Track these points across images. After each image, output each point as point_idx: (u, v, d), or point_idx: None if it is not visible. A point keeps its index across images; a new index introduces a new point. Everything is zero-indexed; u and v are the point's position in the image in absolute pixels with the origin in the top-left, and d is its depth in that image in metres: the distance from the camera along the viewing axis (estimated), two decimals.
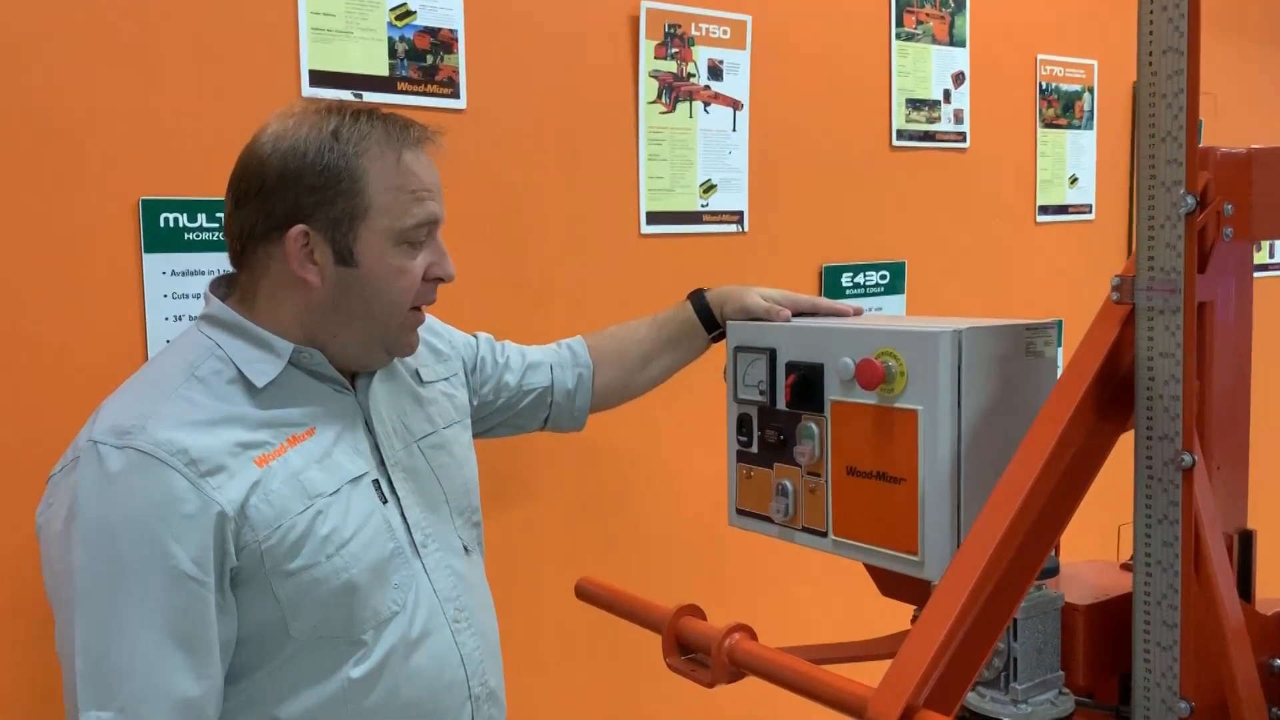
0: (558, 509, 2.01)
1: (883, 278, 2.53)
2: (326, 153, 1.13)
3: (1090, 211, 3.05)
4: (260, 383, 1.14)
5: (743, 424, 1.45)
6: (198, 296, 1.58)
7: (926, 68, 2.58)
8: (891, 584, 1.35)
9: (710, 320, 1.58)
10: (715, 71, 2.18)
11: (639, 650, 2.00)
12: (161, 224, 1.56)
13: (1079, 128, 2.99)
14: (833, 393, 1.32)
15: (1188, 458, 1.03)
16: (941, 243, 2.65)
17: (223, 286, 1.23)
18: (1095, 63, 2.99)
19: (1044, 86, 2.87)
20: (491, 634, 1.31)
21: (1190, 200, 1.01)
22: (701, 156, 2.17)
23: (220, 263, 1.35)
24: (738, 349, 1.45)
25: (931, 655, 0.95)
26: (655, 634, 1.29)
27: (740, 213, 2.24)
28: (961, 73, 2.65)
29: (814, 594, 2.33)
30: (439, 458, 1.31)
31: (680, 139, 2.14)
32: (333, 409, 1.20)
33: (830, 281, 2.41)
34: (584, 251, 2.03)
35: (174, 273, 1.58)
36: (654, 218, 2.11)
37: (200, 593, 1.07)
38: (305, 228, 1.14)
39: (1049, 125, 2.90)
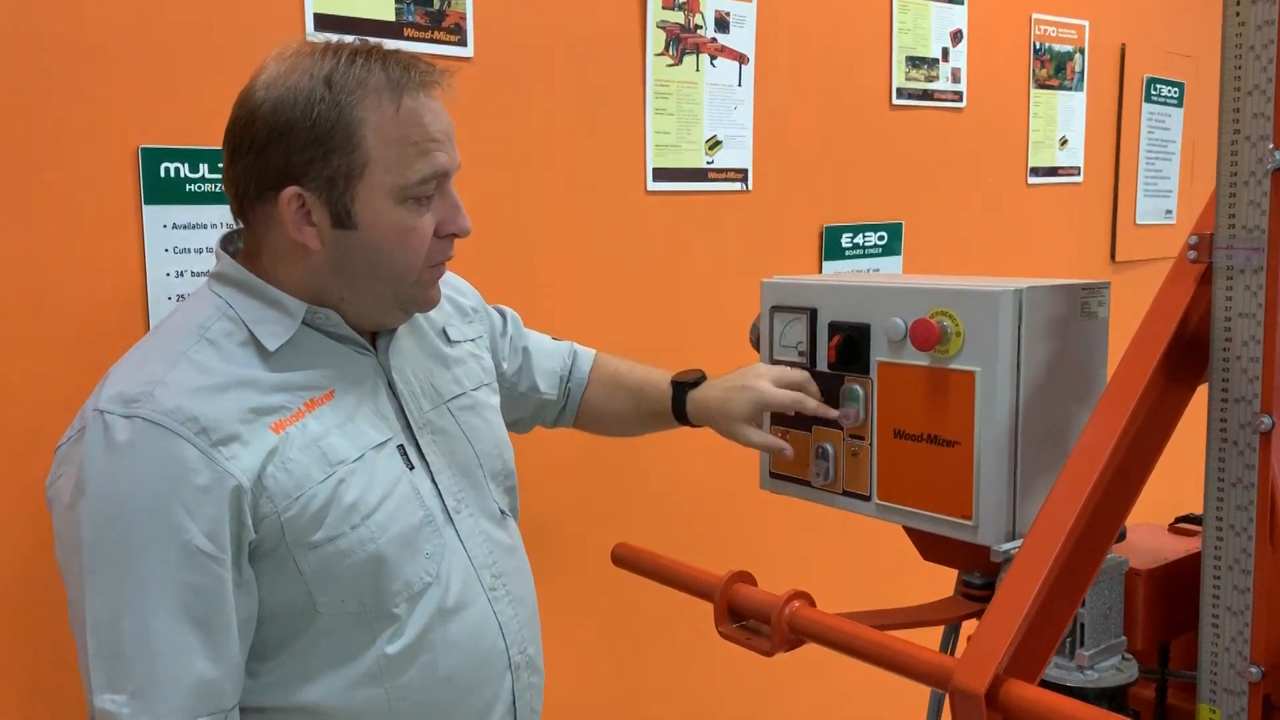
0: (575, 475, 1.97)
1: (880, 238, 2.49)
2: (318, 104, 1.03)
3: (1079, 174, 3.04)
4: (272, 345, 1.07)
5: None
6: (201, 251, 1.50)
7: (926, 25, 2.53)
8: (936, 549, 1.32)
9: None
10: (722, 23, 2.12)
11: (671, 617, 1.97)
12: (162, 174, 1.47)
13: (1070, 89, 2.97)
14: (880, 353, 1.28)
15: (1267, 420, 1.01)
16: (937, 204, 2.62)
17: (234, 242, 1.16)
18: (1087, 23, 2.97)
19: (1037, 47, 2.85)
20: (530, 601, 1.26)
21: (1278, 156, 0.98)
22: (708, 112, 2.12)
23: (225, 216, 1.28)
24: (774, 309, 1.41)
25: (1018, 624, 0.92)
26: (693, 600, 1.26)
27: (745, 170, 2.19)
28: (959, 30, 2.61)
29: (843, 558, 2.31)
30: (470, 419, 1.24)
31: (687, 93, 2.08)
32: (353, 371, 1.13)
33: (830, 242, 2.37)
34: (591, 208, 1.97)
35: (176, 226, 1.49)
36: (660, 174, 2.06)
37: (215, 569, 1.00)
38: (299, 189, 1.05)
39: (1041, 86, 2.88)
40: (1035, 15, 2.82)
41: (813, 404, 1.31)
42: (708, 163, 2.13)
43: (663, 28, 2.02)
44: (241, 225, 1.13)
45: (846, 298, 1.32)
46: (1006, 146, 2.82)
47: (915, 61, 2.52)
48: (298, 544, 1.04)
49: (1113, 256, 3.20)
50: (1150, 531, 1.30)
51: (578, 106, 1.93)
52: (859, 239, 2.44)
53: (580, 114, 1.93)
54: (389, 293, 1.12)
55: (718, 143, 2.14)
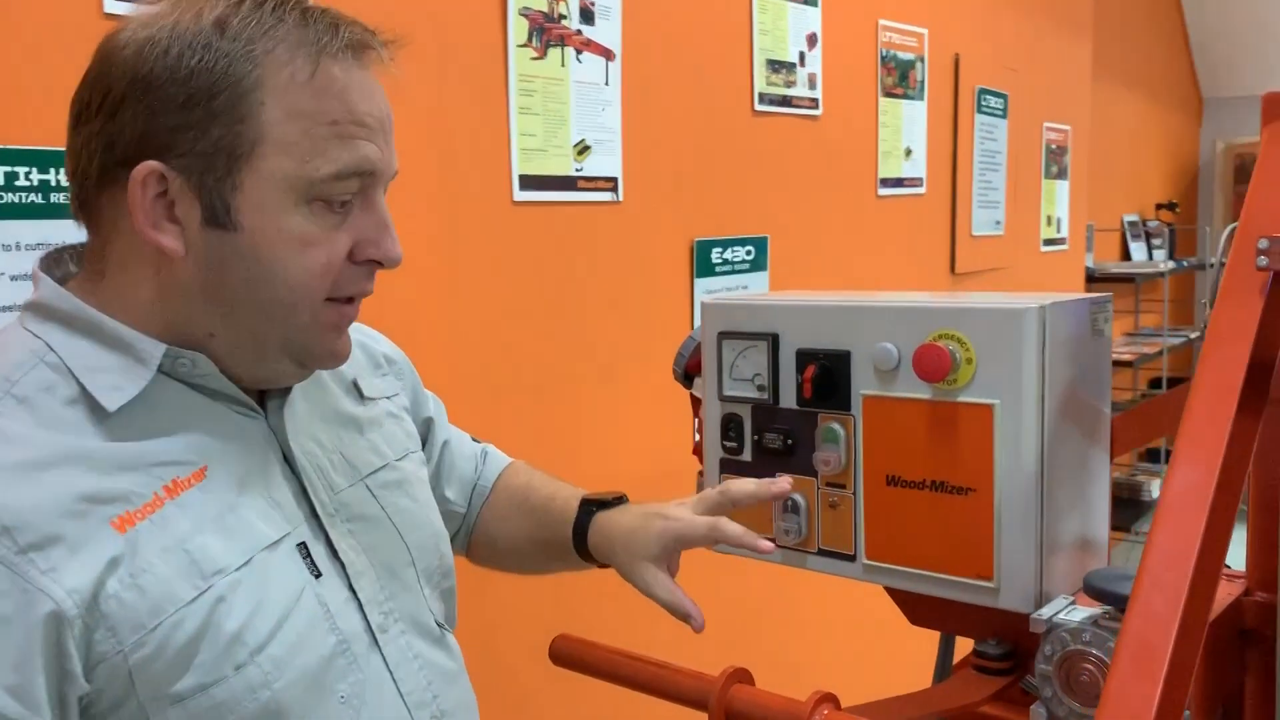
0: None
1: (749, 253, 2.32)
2: (201, 50, 0.74)
3: (922, 185, 2.98)
4: (112, 403, 0.75)
5: (730, 426, 1.18)
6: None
7: (784, 26, 2.39)
8: (929, 612, 1.13)
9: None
10: (587, 14, 1.88)
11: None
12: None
13: (913, 98, 2.90)
14: (865, 386, 1.08)
15: None
16: (798, 217, 2.48)
17: (63, 264, 0.82)
18: (926, 31, 2.92)
19: (884, 54, 2.76)
20: None
21: None
22: (575, 112, 1.87)
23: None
24: (722, 335, 1.18)
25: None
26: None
27: (615, 179, 1.96)
28: (814, 34, 2.48)
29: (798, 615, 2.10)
30: (396, 500, 0.93)
31: (553, 91, 1.83)
32: (232, 439, 0.80)
33: (701, 257, 2.18)
34: (455, 222, 1.69)
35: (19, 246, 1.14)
36: (527, 182, 1.80)
37: None
38: (159, 166, 0.74)
39: (888, 94, 2.80)
40: (881, 21, 2.73)
41: (735, 530, 0.99)
42: (576, 170, 1.89)
43: (525, 15, 1.77)
44: (83, 231, 0.80)
45: (817, 320, 1.11)
46: (859, 157, 2.71)
47: (775, 65, 2.37)
48: (154, 697, 0.72)
49: (953, 268, 3.17)
50: None
51: (436, 107, 1.65)
52: (728, 254, 2.26)
53: (439, 114, 1.65)
54: (273, 332, 0.80)
55: (587, 147, 1.90)
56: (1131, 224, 5.14)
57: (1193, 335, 5.03)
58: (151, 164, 0.74)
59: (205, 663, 0.73)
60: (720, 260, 2.24)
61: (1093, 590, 0.95)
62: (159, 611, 0.72)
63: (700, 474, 1.32)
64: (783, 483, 1.02)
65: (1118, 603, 0.93)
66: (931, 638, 1.53)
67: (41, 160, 1.20)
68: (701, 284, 2.19)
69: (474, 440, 1.20)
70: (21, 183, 1.18)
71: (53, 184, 1.21)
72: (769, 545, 0.99)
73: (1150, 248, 5.26)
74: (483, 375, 1.74)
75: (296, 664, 0.77)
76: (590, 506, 1.10)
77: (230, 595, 0.75)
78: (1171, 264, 4.82)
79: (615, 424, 2.01)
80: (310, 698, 0.78)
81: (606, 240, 1.96)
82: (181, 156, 0.74)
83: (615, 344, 2.00)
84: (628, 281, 2.02)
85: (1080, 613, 0.97)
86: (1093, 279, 4.43)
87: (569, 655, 1.04)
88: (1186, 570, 0.77)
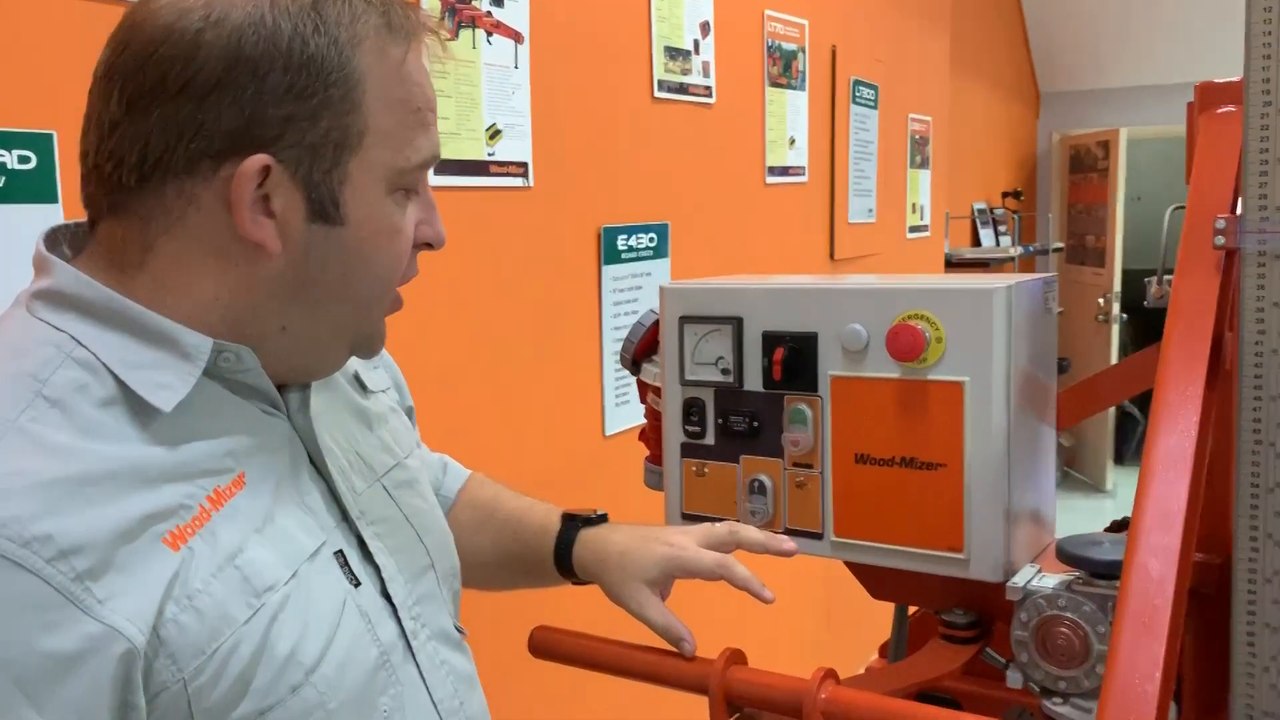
0: None
1: (651, 240, 2.33)
2: (313, 36, 0.68)
3: (804, 174, 3.05)
4: (166, 403, 0.68)
5: (692, 410, 1.18)
6: None
7: (679, 13, 2.40)
8: (891, 585, 1.16)
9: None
10: None
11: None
12: None
13: (796, 88, 2.96)
14: (832, 367, 1.10)
15: None
16: (695, 204, 2.50)
17: (61, 245, 0.74)
18: (806, 22, 2.98)
19: (770, 44, 2.81)
20: None
21: None
22: (486, 95, 1.84)
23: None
24: (684, 319, 1.18)
25: (1158, 698, 0.76)
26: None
27: (525, 164, 1.93)
28: (707, 22, 2.50)
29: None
30: (411, 500, 0.88)
31: (464, 73, 1.79)
32: (262, 440, 0.74)
33: (608, 243, 2.17)
34: None
35: None
36: (441, 166, 1.75)
37: None
38: (268, 159, 0.68)
39: (774, 84, 2.84)
40: (767, 11, 2.78)
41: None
42: (489, 154, 1.85)
43: None
44: (93, 219, 0.72)
45: (782, 303, 1.13)
46: (748, 145, 2.75)
47: (672, 52, 2.38)
48: None
49: (831, 254, 3.25)
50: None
51: None
52: (633, 241, 2.26)
53: None
54: (353, 324, 0.77)
55: (498, 132, 1.87)
56: (981, 212, 5.38)
57: None
58: (263, 157, 0.68)
59: (262, 687, 0.68)
60: (626, 247, 2.24)
61: (1066, 556, 0.99)
62: (217, 635, 0.66)
63: (648, 459, 1.32)
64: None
65: (1091, 567, 0.98)
66: (849, 619, 1.56)
67: None
68: (609, 271, 2.18)
69: (428, 450, 1.16)
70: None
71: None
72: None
73: (997, 234, 5.52)
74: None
75: (347, 682, 0.73)
76: (575, 522, 1.06)
77: (281, 613, 0.69)
78: (1019, 249, 5.07)
79: (524, 411, 1.98)
80: (358, 714, 0.74)
81: (518, 226, 1.94)
82: (291, 148, 0.69)
83: (525, 332, 1.98)
84: (538, 269, 2.00)
85: (1052, 579, 1.01)
86: (950, 264, 4.63)
87: (550, 647, 1.02)
88: (1177, 533, 0.81)
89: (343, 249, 0.73)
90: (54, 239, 0.73)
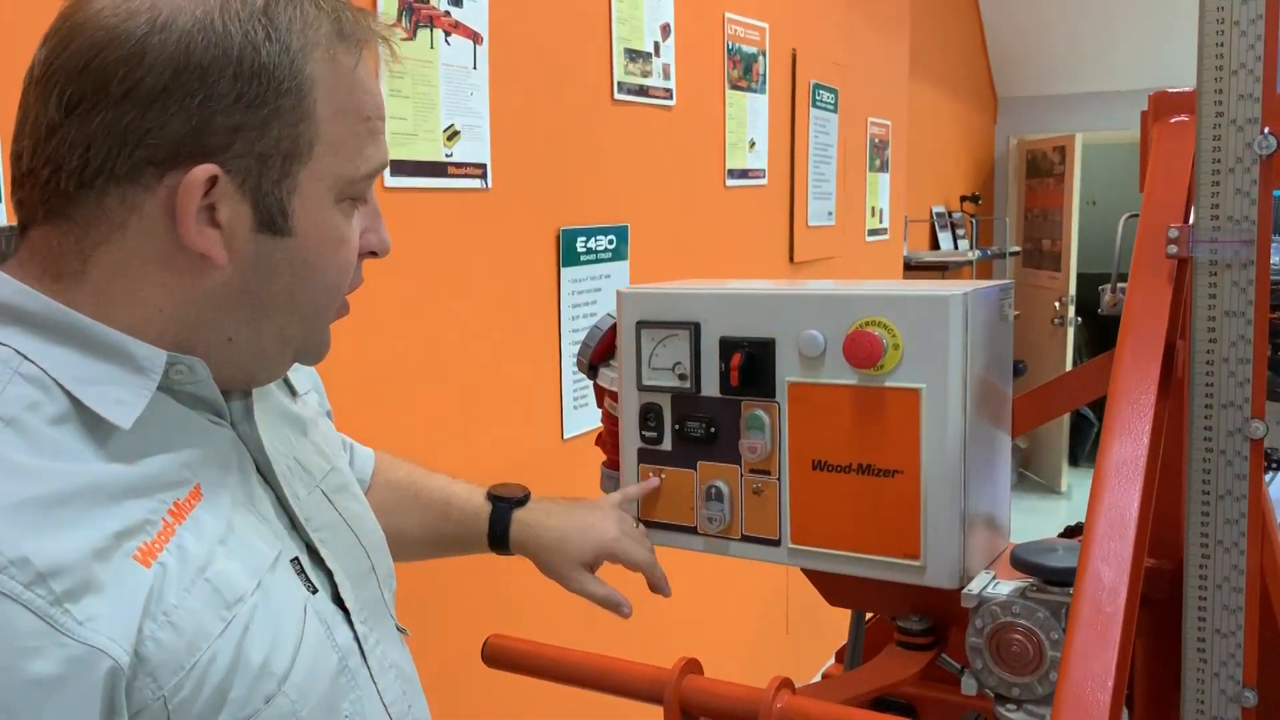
0: None
1: (610, 242, 2.32)
2: (264, 44, 0.66)
3: (764, 177, 3.05)
4: (125, 420, 0.66)
5: (649, 415, 1.18)
6: None
7: (640, 15, 2.39)
8: (847, 592, 1.16)
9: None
10: None
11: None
12: None
13: (756, 91, 2.97)
14: (789, 373, 1.09)
15: (1259, 427, 0.93)
16: (655, 206, 2.49)
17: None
18: (767, 25, 2.98)
19: (730, 47, 2.81)
20: None
21: (1271, 141, 0.90)
22: (444, 96, 1.82)
23: None
24: (641, 324, 1.17)
25: (1109, 705, 0.76)
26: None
27: (484, 166, 1.92)
28: (668, 24, 2.50)
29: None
30: (347, 504, 0.87)
31: (422, 74, 1.77)
32: (211, 450, 0.73)
33: (567, 246, 2.16)
34: None
35: None
36: (398, 168, 1.73)
37: None
38: (215, 169, 0.66)
39: (734, 87, 2.85)
40: (727, 14, 2.78)
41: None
42: (447, 155, 1.84)
43: None
44: (22, 225, 0.69)
45: (739, 309, 1.12)
46: (708, 148, 2.75)
47: (632, 54, 2.37)
48: None
49: (791, 257, 3.26)
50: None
51: None
52: (592, 243, 2.25)
53: None
54: (299, 332, 0.75)
55: (456, 133, 1.85)
56: (939, 215, 5.42)
57: None
58: (210, 167, 0.66)
59: (239, 698, 0.67)
60: (585, 249, 2.23)
61: (1020, 564, 0.99)
62: (194, 649, 0.65)
63: (604, 464, 1.31)
64: (665, 589, 1.16)
65: (1044, 574, 0.98)
66: (806, 625, 1.56)
67: None
68: (568, 273, 2.17)
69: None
70: None
71: None
72: (669, 591, 1.15)
73: (955, 237, 5.56)
74: (348, 363, 1.67)
75: (315, 689, 0.72)
76: (504, 507, 1.15)
77: (251, 623, 0.68)
78: (977, 253, 5.11)
79: (483, 413, 1.97)
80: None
81: (476, 228, 1.92)
82: (239, 158, 0.67)
83: (483, 334, 1.96)
84: (496, 271, 1.98)
85: (1006, 586, 1.01)
86: (909, 267, 4.66)
87: (505, 656, 1.01)
88: (1129, 541, 0.82)
89: (290, 260, 0.71)
90: None
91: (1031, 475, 6.20)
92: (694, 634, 2.51)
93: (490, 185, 1.94)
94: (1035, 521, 4.94)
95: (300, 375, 0.96)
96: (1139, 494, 0.85)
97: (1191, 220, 0.95)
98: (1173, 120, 1.14)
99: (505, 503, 1.15)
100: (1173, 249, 0.96)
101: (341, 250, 0.75)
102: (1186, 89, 1.09)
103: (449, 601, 1.81)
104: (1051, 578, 0.97)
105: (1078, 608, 0.80)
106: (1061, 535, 1.27)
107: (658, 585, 1.15)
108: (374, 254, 0.79)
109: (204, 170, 0.66)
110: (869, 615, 1.30)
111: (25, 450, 0.62)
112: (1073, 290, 5.69)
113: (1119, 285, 1.13)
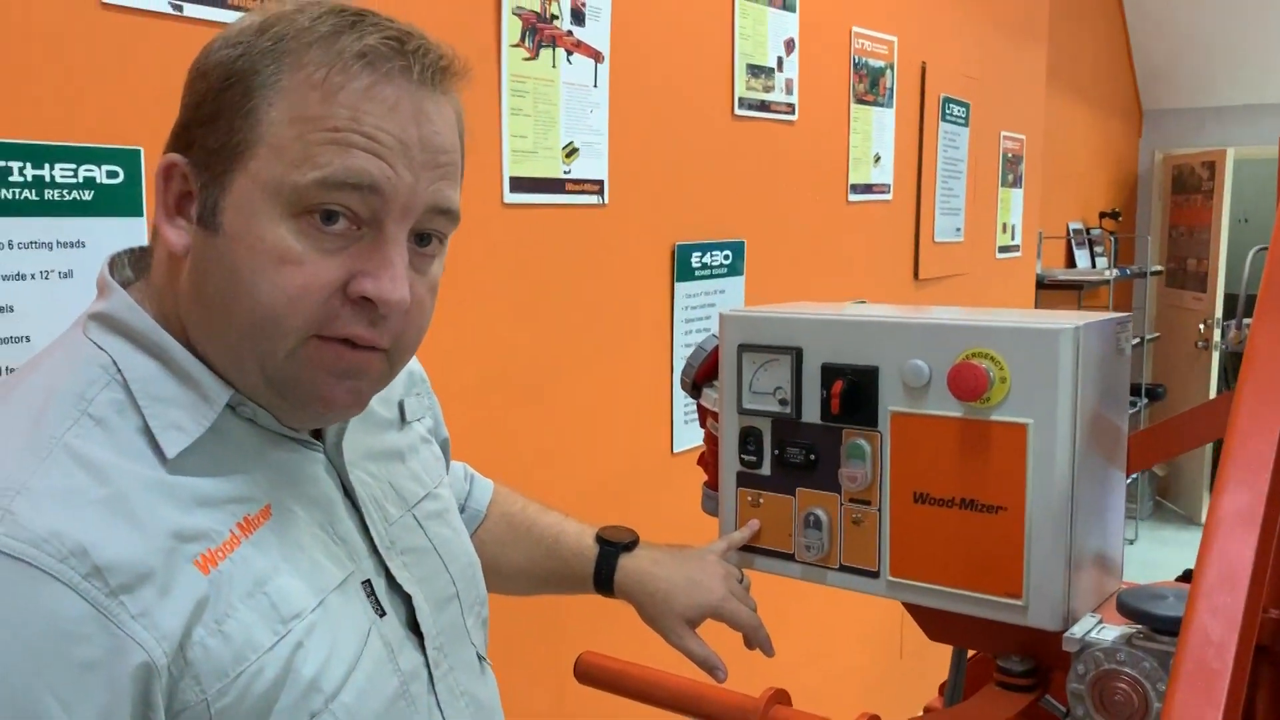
0: None
1: (726, 258, 2.32)
2: (233, 49, 0.72)
3: (889, 191, 3.00)
4: (172, 449, 0.70)
5: (749, 439, 1.17)
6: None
7: (764, 31, 2.39)
8: (949, 627, 1.13)
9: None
10: (578, 14, 1.86)
11: None
12: None
13: (882, 105, 2.92)
14: (893, 402, 1.08)
15: None
16: (773, 221, 2.48)
17: (125, 268, 0.78)
18: (895, 39, 2.94)
19: (856, 61, 2.78)
20: None
21: None
22: (564, 114, 1.85)
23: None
24: (743, 348, 1.17)
25: None
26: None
27: (601, 182, 1.94)
28: (792, 39, 2.48)
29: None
30: (440, 531, 0.89)
31: (543, 92, 1.81)
32: (292, 473, 0.77)
33: (682, 261, 2.17)
34: None
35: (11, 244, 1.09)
36: (518, 184, 1.77)
37: None
38: (177, 159, 0.73)
39: (859, 101, 2.81)
40: (855, 28, 2.75)
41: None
42: (565, 172, 1.87)
43: (519, 15, 1.74)
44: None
45: (843, 335, 1.11)
46: (831, 162, 2.73)
47: (754, 70, 2.36)
48: None
49: (916, 274, 3.20)
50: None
51: None
52: (707, 258, 2.25)
53: None
54: (250, 356, 0.72)
55: (575, 150, 1.88)
56: (1076, 231, 5.24)
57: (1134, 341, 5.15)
58: (172, 156, 0.73)
59: (283, 710, 0.70)
60: (700, 264, 2.23)
61: (1127, 610, 0.96)
62: (241, 659, 0.68)
63: (705, 484, 1.31)
64: (768, 650, 1.14)
65: (1152, 622, 0.94)
66: (920, 652, 1.54)
67: (36, 155, 1.14)
68: (681, 288, 2.18)
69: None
70: (15, 178, 1.13)
71: (48, 180, 1.15)
72: (773, 651, 1.14)
73: (1093, 255, 5.37)
74: (470, 375, 1.71)
75: (367, 710, 0.74)
76: (613, 548, 1.16)
77: (306, 640, 0.72)
78: (1115, 271, 4.92)
79: (595, 424, 1.99)
80: None
81: (592, 243, 1.94)
82: (198, 150, 0.73)
83: (597, 347, 1.99)
84: (611, 285, 2.00)
85: (1112, 631, 0.98)
86: (1043, 285, 4.51)
87: (596, 673, 1.02)
88: (1241, 594, 0.78)
89: (219, 260, 0.72)
90: (120, 263, 0.78)
91: (1169, 505, 5.93)
92: (804, 657, 2.49)
93: (607, 201, 1.96)
94: (1170, 554, 4.72)
95: (419, 400, 0.99)
96: (1254, 545, 0.80)
97: None
98: None
99: (613, 547, 1.15)
100: None
101: (282, 269, 0.70)
102: None
103: (530, 622, 1.83)
104: (1160, 626, 0.93)
105: (1181, 664, 0.76)
106: (1179, 579, 1.22)
107: (761, 646, 1.13)
108: (369, 302, 0.72)
109: (164, 160, 0.73)
110: (971, 651, 1.27)
111: (109, 448, 0.67)
112: (1219, 313, 5.43)
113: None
